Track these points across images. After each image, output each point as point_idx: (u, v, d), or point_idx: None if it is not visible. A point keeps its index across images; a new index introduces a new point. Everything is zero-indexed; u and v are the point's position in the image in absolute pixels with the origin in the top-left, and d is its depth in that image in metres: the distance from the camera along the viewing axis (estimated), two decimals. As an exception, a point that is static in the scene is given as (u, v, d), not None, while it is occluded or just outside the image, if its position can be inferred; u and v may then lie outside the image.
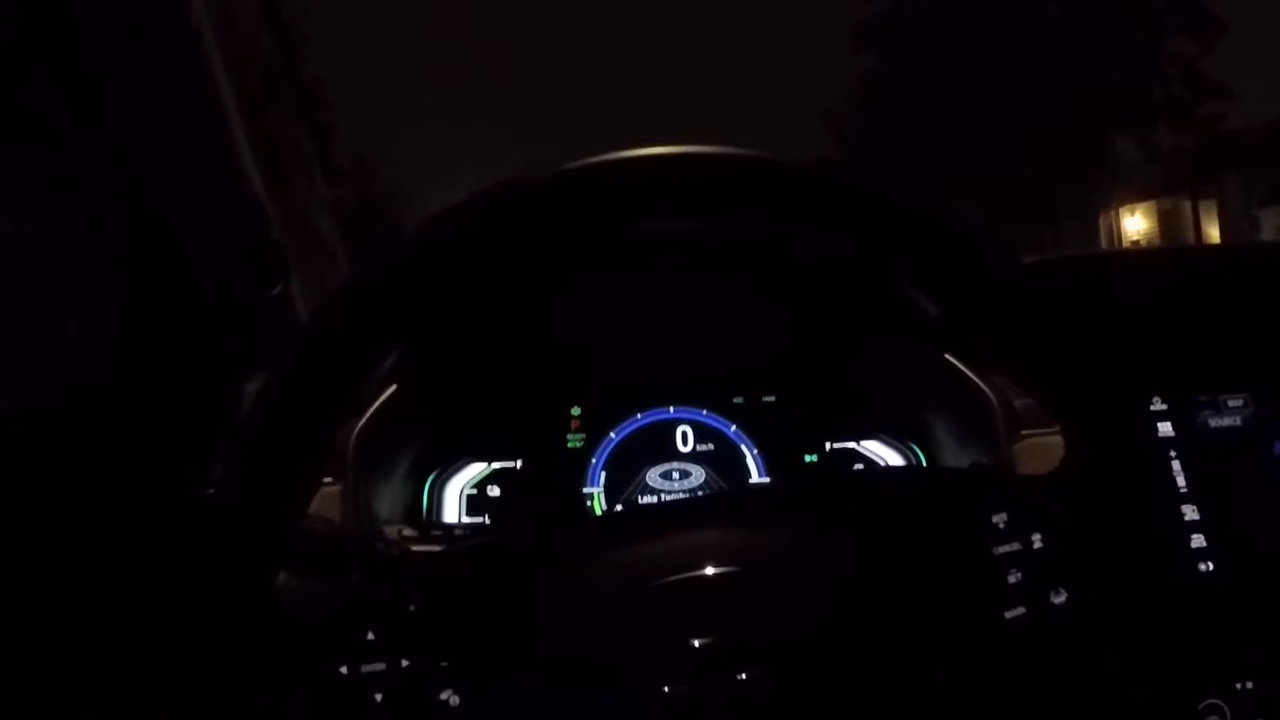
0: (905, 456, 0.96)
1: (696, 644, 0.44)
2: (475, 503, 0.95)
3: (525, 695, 0.45)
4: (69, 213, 0.73)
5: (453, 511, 0.95)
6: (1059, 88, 15.13)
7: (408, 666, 0.45)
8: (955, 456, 0.91)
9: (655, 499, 0.95)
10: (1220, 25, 15.08)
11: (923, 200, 0.45)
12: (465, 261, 0.44)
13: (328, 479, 0.80)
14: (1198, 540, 0.57)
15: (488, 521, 0.94)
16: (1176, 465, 0.60)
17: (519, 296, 0.89)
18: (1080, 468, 0.48)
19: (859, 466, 0.96)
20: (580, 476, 0.96)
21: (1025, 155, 15.48)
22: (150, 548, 0.54)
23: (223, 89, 0.70)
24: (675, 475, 0.96)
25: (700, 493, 0.95)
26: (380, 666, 0.45)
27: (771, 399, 0.98)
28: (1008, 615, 0.46)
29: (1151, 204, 15.34)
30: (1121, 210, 15.80)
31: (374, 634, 0.45)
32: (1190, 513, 0.58)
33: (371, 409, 0.84)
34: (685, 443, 0.97)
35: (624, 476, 0.96)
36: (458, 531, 0.91)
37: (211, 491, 0.49)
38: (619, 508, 0.95)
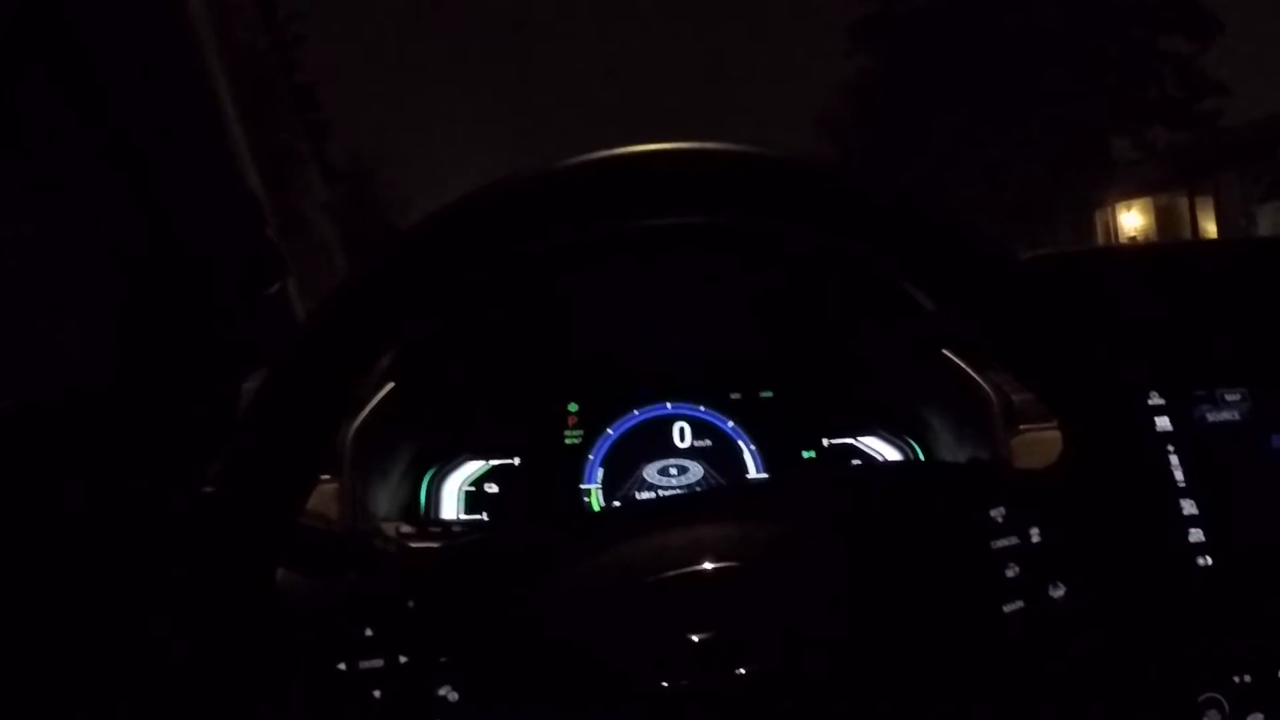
0: (903, 452, 0.96)
1: (695, 639, 0.44)
2: (473, 500, 0.95)
3: (527, 710, 0.45)
4: (66, 213, 0.73)
5: (451, 508, 0.95)
6: (1055, 85, 15.14)
7: (406, 663, 0.45)
8: (953, 452, 0.91)
9: (653, 495, 0.95)
10: (1216, 24, 15.11)
11: (919, 197, 0.45)
12: (461, 260, 0.44)
13: (325, 476, 0.80)
14: (1196, 534, 0.57)
15: (486, 518, 0.95)
16: (1174, 460, 0.60)
17: (516, 293, 0.89)
18: (1078, 463, 0.48)
19: (856, 462, 0.96)
20: (578, 473, 0.96)
21: (1022, 152, 15.50)
22: (149, 546, 0.54)
23: (220, 88, 0.70)
24: (673, 471, 0.96)
25: (698, 488, 0.95)
26: (379, 663, 0.45)
27: (769, 395, 0.99)
28: (1006, 609, 0.46)
29: (1148, 200, 15.34)
30: (1118, 207, 15.80)
31: (372, 631, 0.45)
32: (1188, 507, 0.58)
33: (369, 406, 0.84)
34: (683, 439, 0.97)
35: (622, 472, 0.96)
36: (456, 528, 0.92)
37: (209, 489, 0.49)
38: (617, 504, 0.95)
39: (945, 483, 0.52)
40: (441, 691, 0.45)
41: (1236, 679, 0.52)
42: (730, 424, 0.98)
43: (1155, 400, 0.61)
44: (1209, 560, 0.57)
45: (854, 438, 0.97)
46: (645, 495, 0.95)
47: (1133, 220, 15.60)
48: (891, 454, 0.97)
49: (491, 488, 0.96)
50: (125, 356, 0.70)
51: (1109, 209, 15.95)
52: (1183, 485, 0.59)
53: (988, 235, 0.46)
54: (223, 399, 0.70)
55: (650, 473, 0.96)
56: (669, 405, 0.98)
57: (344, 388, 0.45)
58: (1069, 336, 0.47)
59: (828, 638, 0.46)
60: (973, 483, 0.51)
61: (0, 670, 0.53)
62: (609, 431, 0.97)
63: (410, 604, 0.46)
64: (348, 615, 0.46)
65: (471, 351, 0.95)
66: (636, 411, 0.98)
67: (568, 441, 0.97)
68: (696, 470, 0.96)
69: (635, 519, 0.52)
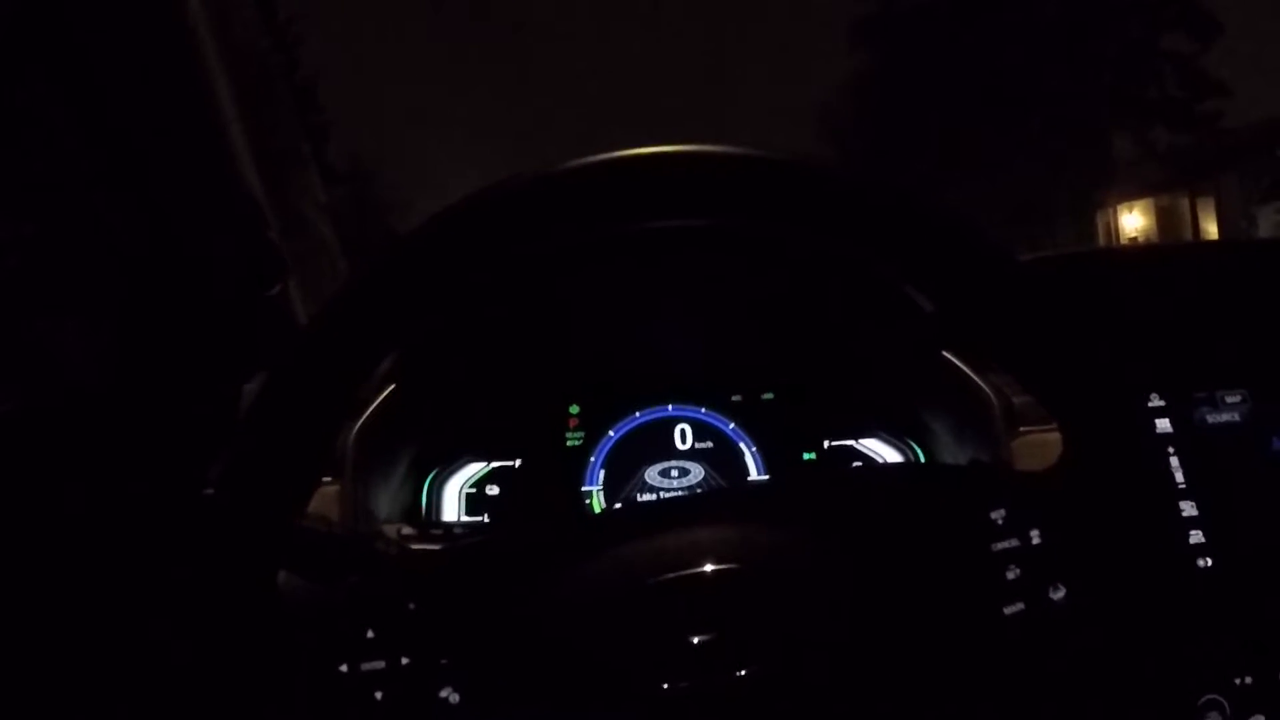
0: (904, 454, 0.96)
1: (695, 641, 0.44)
2: (474, 501, 0.95)
3: (528, 712, 0.45)
4: (67, 215, 0.73)
5: (452, 510, 0.95)
6: (1055, 85, 15.13)
7: (408, 664, 0.45)
8: (953, 454, 0.91)
9: (654, 497, 0.95)
10: (1216, 25, 15.10)
11: (919, 198, 0.45)
12: (462, 262, 0.44)
13: (327, 478, 0.80)
14: (1196, 536, 0.57)
15: (487, 520, 0.95)
16: (1175, 461, 0.60)
17: (517, 295, 0.89)
18: (1078, 465, 0.48)
19: (857, 464, 0.96)
20: (579, 475, 0.96)
21: (1022, 152, 15.49)
22: (150, 548, 0.54)
23: (220, 89, 0.70)
24: (674, 473, 0.96)
25: (699, 490, 0.95)
26: (380, 665, 0.45)
27: (770, 397, 0.99)
28: (1006, 611, 0.46)
29: (1149, 201, 15.34)
30: (1119, 208, 15.81)
31: (374, 632, 0.45)
32: (1188, 509, 0.58)
33: (370, 408, 0.84)
34: (684, 440, 0.97)
35: (623, 474, 0.96)
36: (457, 530, 0.91)
37: (210, 491, 0.49)
38: (618, 505, 0.95)
39: (946, 485, 0.52)
40: (443, 693, 0.45)
41: (1237, 681, 0.52)
42: (731, 426, 0.98)
43: (1155, 402, 0.61)
44: (1209, 562, 0.57)
45: (855, 440, 0.97)
46: (646, 497, 0.95)
47: (1134, 221, 15.61)
48: (892, 456, 0.97)
49: (493, 489, 0.96)
50: (125, 357, 0.70)
51: (1110, 209, 15.95)
52: (1183, 487, 0.59)
53: (987, 236, 0.46)
54: (223, 400, 0.70)
55: (651, 474, 0.96)
56: (670, 407, 0.98)
57: (345, 390, 0.45)
58: (1069, 338, 0.47)
59: (828, 640, 0.46)
60: (973, 485, 0.51)
61: (2, 671, 0.53)
62: (610, 433, 0.97)
63: (411, 606, 0.46)
64: (349, 617, 0.46)
65: (473, 353, 0.95)
66: (638, 413, 0.98)
67: (569, 443, 0.97)
68: (697, 472, 0.96)
69: (636, 521, 0.52)
